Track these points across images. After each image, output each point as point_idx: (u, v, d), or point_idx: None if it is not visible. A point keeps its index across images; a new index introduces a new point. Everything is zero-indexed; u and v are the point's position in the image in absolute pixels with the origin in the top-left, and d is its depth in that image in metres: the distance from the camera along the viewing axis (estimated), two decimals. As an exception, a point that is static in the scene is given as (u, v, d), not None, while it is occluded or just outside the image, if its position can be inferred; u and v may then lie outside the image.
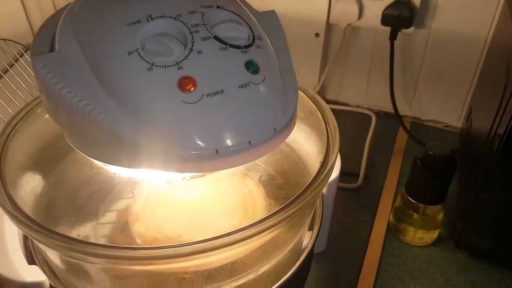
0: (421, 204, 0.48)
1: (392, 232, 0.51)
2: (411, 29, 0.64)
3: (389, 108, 0.70)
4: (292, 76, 0.31)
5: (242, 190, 0.43)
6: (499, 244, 0.45)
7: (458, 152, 0.64)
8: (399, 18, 0.62)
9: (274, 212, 0.28)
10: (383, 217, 0.53)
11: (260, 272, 0.35)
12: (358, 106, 0.77)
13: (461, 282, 0.46)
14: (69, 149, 0.32)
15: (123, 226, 0.39)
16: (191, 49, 0.26)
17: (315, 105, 0.40)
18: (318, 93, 0.76)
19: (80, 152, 0.30)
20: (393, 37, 0.64)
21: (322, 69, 0.74)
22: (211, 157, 0.25)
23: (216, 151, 0.25)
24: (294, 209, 0.29)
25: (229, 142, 0.26)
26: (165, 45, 0.26)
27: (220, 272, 0.33)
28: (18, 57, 0.54)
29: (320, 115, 0.39)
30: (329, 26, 0.70)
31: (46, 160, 0.38)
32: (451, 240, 0.50)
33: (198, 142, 0.25)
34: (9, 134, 0.35)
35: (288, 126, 0.29)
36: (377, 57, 0.71)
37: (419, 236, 0.50)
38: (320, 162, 0.34)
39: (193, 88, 0.25)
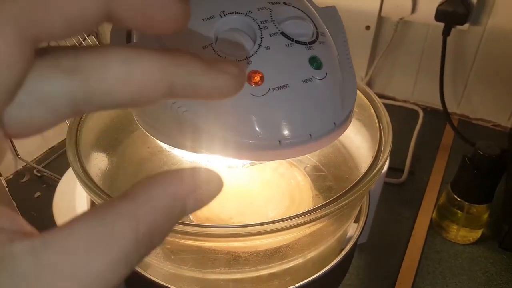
0: (466, 203, 0.48)
1: (435, 229, 0.52)
2: (466, 25, 0.63)
3: (437, 105, 0.69)
4: (351, 72, 0.32)
5: (289, 179, 0.45)
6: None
7: (506, 152, 0.62)
8: (454, 14, 0.61)
9: (324, 204, 0.30)
10: (426, 213, 0.54)
11: (308, 258, 0.37)
12: (405, 101, 0.76)
13: (503, 281, 0.46)
14: (136, 131, 0.35)
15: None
16: (260, 45, 0.28)
17: (368, 100, 0.41)
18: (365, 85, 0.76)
19: (148, 133, 0.32)
20: (446, 33, 0.63)
21: (370, 62, 0.74)
22: (274, 147, 0.27)
23: (279, 141, 0.27)
24: (343, 203, 0.30)
25: (291, 134, 0.27)
26: (237, 40, 0.27)
27: (272, 254, 0.35)
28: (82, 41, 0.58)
29: (373, 110, 0.40)
30: (380, 19, 0.70)
31: (114, 140, 0.41)
32: (494, 240, 0.50)
33: (263, 132, 0.27)
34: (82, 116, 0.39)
35: (346, 120, 0.30)
36: (428, 52, 0.70)
37: (462, 234, 0.50)
38: (372, 157, 0.35)
39: (260, 82, 0.27)
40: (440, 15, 0.62)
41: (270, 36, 0.28)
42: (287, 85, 0.27)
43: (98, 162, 0.39)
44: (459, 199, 0.48)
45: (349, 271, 0.47)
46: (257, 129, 0.27)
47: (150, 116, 0.31)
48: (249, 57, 0.27)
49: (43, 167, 0.58)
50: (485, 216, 0.49)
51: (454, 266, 0.48)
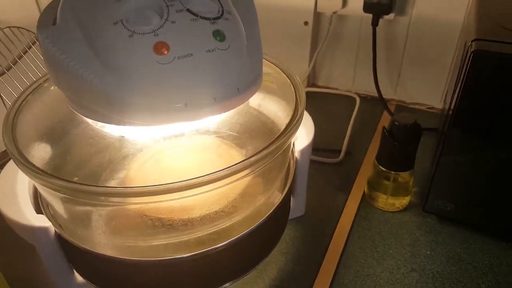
0: (392, 172, 0.52)
1: (367, 200, 0.56)
2: (391, 15, 0.68)
3: (376, 93, 0.74)
4: (258, 46, 0.36)
5: (227, 160, 0.48)
6: (461, 208, 0.49)
7: (436, 131, 0.68)
8: (379, 5, 0.66)
9: (246, 158, 0.33)
10: (359, 188, 0.58)
11: (234, 221, 0.40)
12: (347, 91, 0.81)
13: (426, 242, 0.50)
14: (73, 118, 0.37)
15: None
16: (166, 19, 0.31)
17: (290, 80, 0.45)
18: (309, 79, 0.81)
19: (77, 113, 0.35)
20: (375, 23, 0.69)
21: (311, 56, 0.79)
22: (181, 110, 0.30)
23: (185, 104, 0.30)
24: (259, 157, 0.33)
25: (196, 97, 0.31)
26: (144, 16, 0.31)
27: (201, 219, 0.38)
28: (31, 44, 0.60)
29: (293, 88, 0.44)
30: (317, 14, 0.75)
31: (52, 128, 0.43)
32: (420, 207, 0.54)
33: (170, 96, 0.30)
34: (20, 104, 0.41)
35: (250, 86, 0.34)
36: (363, 44, 0.75)
37: (390, 202, 0.54)
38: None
39: (166, 52, 0.30)
40: (367, 6, 0.67)
41: (177, 12, 0.32)
42: (191, 54, 0.31)
43: (38, 152, 0.41)
44: (384, 169, 0.52)
45: (285, 241, 0.50)
46: (165, 93, 0.30)
47: (77, 96, 0.34)
48: (156, 30, 0.31)
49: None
50: (410, 182, 0.53)
51: (383, 231, 0.51)
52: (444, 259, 0.48)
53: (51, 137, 0.41)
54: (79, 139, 0.42)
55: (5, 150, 0.62)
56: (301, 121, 0.40)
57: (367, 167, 0.62)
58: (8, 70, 0.57)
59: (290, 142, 0.43)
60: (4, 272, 0.42)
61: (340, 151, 0.64)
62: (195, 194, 0.33)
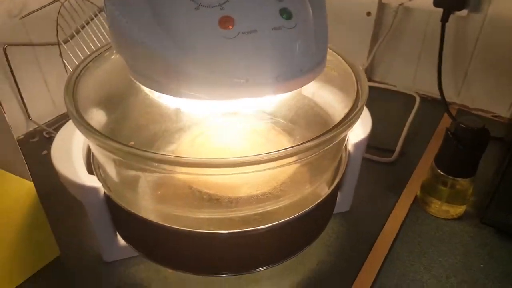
0: (450, 177, 0.49)
1: (419, 204, 0.53)
2: (464, 11, 0.64)
3: (437, 94, 0.70)
4: (324, 28, 0.34)
5: (276, 146, 0.48)
6: (525, 223, 0.46)
7: (502, 140, 0.63)
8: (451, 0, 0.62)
9: (298, 144, 0.32)
10: (411, 191, 0.55)
11: (279, 206, 0.39)
12: (406, 90, 0.77)
13: (481, 254, 0.46)
14: (132, 86, 0.37)
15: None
16: (233, -6, 0.30)
17: (352, 70, 0.43)
18: (366, 72, 0.78)
19: (136, 81, 0.35)
20: (445, 19, 0.64)
21: (371, 49, 0.76)
22: (241, 85, 0.30)
23: (247, 80, 0.30)
24: (315, 143, 0.32)
25: (258, 74, 0.30)
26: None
27: (249, 199, 0.38)
28: (93, 16, 0.62)
29: (354, 79, 0.42)
30: (381, 5, 0.71)
31: (111, 95, 0.44)
32: (478, 217, 0.51)
33: (232, 71, 0.30)
34: (82, 69, 0.42)
35: (313, 69, 0.32)
36: (429, 40, 0.71)
37: (445, 209, 0.51)
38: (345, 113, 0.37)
39: (231, 26, 0.30)
40: (438, 1, 0.63)
41: (245, -13, 0.31)
42: (255, 30, 0.30)
43: (93, 111, 0.42)
44: (442, 173, 0.49)
45: (328, 234, 0.48)
46: (227, 67, 0.30)
47: (138, 64, 0.34)
48: (222, 4, 0.30)
49: (52, 130, 0.62)
50: (469, 191, 0.50)
51: (434, 237, 0.49)
52: (499, 275, 0.44)
53: (109, 103, 0.42)
54: (136, 108, 0.43)
55: (63, 113, 0.65)
56: (360, 114, 0.38)
57: (422, 170, 0.59)
58: (71, 38, 0.59)
59: (346, 134, 0.41)
60: (52, 228, 0.44)
61: (393, 151, 0.61)
62: (241, 173, 0.33)
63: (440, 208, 0.51)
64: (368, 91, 0.39)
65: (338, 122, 0.35)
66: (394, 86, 0.78)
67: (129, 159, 0.34)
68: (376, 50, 0.75)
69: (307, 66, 0.32)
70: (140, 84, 0.35)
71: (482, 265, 0.45)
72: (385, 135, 0.65)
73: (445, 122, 0.70)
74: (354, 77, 0.42)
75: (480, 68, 0.70)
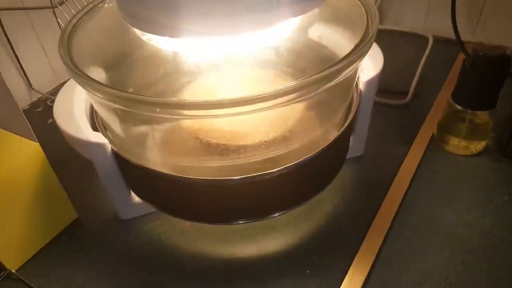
0: (469, 111, 0.47)
1: (436, 143, 0.51)
2: None
3: (451, 34, 0.67)
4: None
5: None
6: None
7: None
8: None
9: (307, 77, 0.30)
10: (427, 131, 0.53)
11: (290, 149, 0.37)
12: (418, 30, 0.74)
13: (504, 188, 0.45)
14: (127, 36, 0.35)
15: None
16: None
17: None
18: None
19: (130, 25, 0.34)
20: (456, -51, 0.60)
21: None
22: (241, 12, 0.28)
23: (246, 7, 0.28)
24: (325, 73, 0.30)
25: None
26: None
27: (258, 145, 0.36)
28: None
29: (364, 10, 0.39)
30: None
31: (107, 46, 0.42)
32: (498, 152, 0.49)
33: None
34: (76, 22, 0.40)
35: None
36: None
37: (463, 145, 0.49)
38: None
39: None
40: None
41: None
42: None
43: (89, 63, 0.41)
44: (460, 107, 0.47)
45: (342, 179, 0.47)
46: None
47: (131, 5, 0.32)
48: None
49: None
50: (489, 126, 0.48)
51: (454, 174, 0.47)
52: (524, 207, 0.43)
53: (106, 54, 0.41)
54: (133, 58, 0.41)
55: (64, 81, 0.64)
56: (371, 44, 0.36)
57: (437, 111, 0.56)
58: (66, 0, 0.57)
59: (356, 69, 0.39)
60: (68, 192, 0.44)
61: (407, 93, 0.59)
62: (247, 112, 0.31)
63: (459, 144, 0.49)
64: (378, 19, 0.37)
65: (348, 53, 0.33)
66: (405, 27, 0.75)
67: (130, 107, 0.32)
68: (384, -9, 0.72)
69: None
70: (136, 31, 0.33)
71: (506, 198, 0.44)
72: (398, 78, 0.63)
73: (460, 62, 0.67)
74: (363, 9, 0.40)
75: (496, 4, 0.66)
